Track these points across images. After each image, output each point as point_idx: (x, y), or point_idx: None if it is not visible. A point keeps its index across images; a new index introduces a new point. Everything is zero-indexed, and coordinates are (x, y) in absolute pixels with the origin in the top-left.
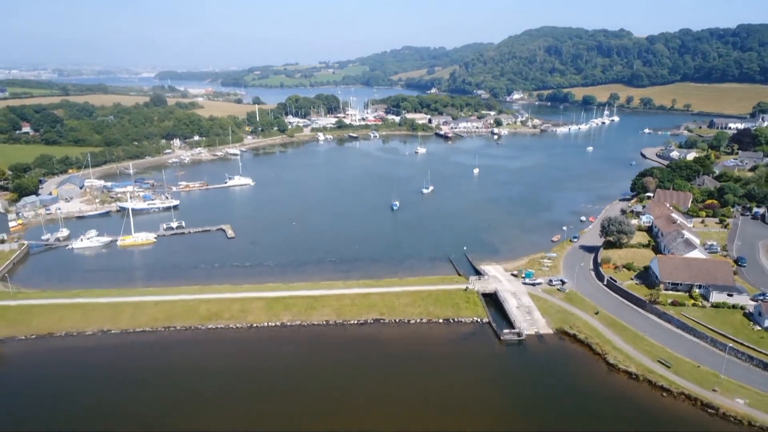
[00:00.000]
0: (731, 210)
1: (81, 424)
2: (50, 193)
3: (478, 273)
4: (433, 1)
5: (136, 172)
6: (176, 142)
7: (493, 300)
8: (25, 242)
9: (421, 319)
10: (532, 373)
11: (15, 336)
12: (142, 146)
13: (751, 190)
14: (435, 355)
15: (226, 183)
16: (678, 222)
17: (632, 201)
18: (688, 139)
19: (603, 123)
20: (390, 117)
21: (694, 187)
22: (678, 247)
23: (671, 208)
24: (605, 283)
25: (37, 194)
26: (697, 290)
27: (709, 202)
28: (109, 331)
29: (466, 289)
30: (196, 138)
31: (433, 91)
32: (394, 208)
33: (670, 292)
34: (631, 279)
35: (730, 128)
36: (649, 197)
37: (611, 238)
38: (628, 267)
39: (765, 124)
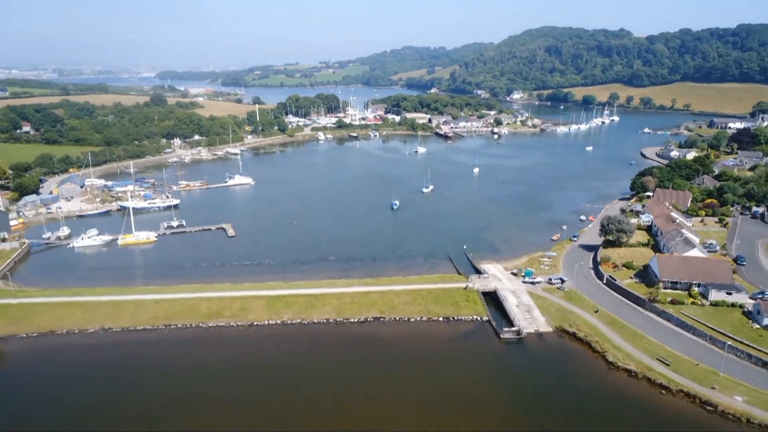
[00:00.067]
0: (730, 209)
1: (82, 422)
2: (51, 192)
3: (477, 272)
4: (433, 1)
5: (136, 171)
6: (176, 141)
7: (492, 298)
8: (26, 241)
9: (421, 318)
10: (532, 372)
11: (16, 334)
12: (143, 146)
13: (750, 190)
14: (435, 353)
15: (226, 182)
16: (677, 221)
17: (632, 200)
18: (688, 138)
19: (603, 123)
20: (390, 117)
21: (693, 186)
22: (677, 245)
23: (671, 207)
24: (605, 281)
25: (37, 193)
26: (696, 289)
27: (708, 201)
28: (110, 329)
29: (465, 288)
30: (197, 137)
31: (433, 90)
32: (394, 207)
33: (670, 290)
34: (631, 278)
35: (729, 128)
36: (648, 196)
37: (611, 237)
38: (628, 266)
39: (765, 123)
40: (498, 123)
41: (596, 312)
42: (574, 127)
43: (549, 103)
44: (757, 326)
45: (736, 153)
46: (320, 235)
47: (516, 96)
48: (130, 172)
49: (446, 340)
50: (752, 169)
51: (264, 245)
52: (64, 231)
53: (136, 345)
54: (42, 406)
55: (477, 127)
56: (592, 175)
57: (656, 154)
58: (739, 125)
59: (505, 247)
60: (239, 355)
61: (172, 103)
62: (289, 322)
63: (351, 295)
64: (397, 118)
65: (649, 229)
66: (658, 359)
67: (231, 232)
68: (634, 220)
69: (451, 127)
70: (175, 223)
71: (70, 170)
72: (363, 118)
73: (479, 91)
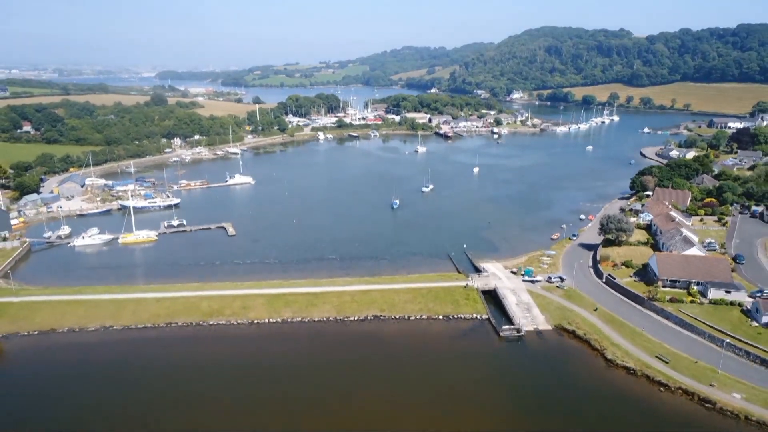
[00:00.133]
0: (730, 208)
1: (82, 419)
2: (51, 192)
3: (477, 270)
4: (433, 1)
5: (136, 170)
6: (177, 141)
7: (492, 297)
8: (27, 240)
9: (421, 316)
10: (531, 369)
11: (18, 332)
12: (143, 145)
13: (749, 189)
14: (435, 351)
15: (226, 182)
16: (677, 220)
17: (631, 199)
18: (688, 138)
19: (603, 122)
20: (390, 116)
21: (693, 185)
22: (676, 244)
23: (670, 206)
24: (604, 280)
25: (38, 192)
26: (695, 287)
27: (707, 200)
28: (111, 327)
29: (465, 286)
30: (197, 137)
31: (433, 90)
32: (394, 206)
33: (669, 289)
34: (630, 276)
35: (729, 127)
36: (648, 196)
37: (610, 236)
38: (627, 264)
39: (764, 123)
40: (498, 123)
41: (595, 310)
42: (574, 127)
43: (549, 103)
44: (756, 324)
45: (736, 152)
46: (320, 234)
47: (516, 96)
48: (130, 172)
49: (446, 338)
50: (751, 168)
51: (264, 244)
52: (65, 230)
53: (137, 343)
54: (43, 404)
55: (477, 127)
56: (592, 175)
57: (656, 153)
58: (739, 125)
59: (505, 246)
60: (240, 353)
61: (173, 102)
62: (289, 320)
63: (351, 294)
64: (397, 118)
65: (648, 228)
66: (657, 357)
67: (231, 231)
68: (633, 219)
69: (451, 127)
70: (175, 223)
71: (71, 169)
72: (363, 118)
73: (479, 91)
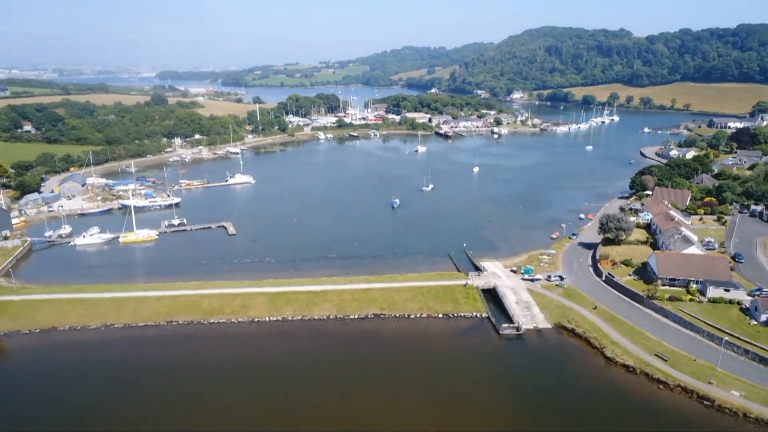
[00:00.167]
0: (729, 207)
1: (84, 417)
2: (52, 191)
3: (477, 269)
4: (433, 1)
5: (137, 170)
6: (177, 140)
7: (492, 295)
8: (28, 239)
9: (421, 314)
10: (531, 367)
11: (19, 330)
12: (144, 145)
13: (749, 188)
14: (434, 349)
15: (227, 181)
16: (676, 219)
17: (631, 199)
18: (688, 138)
19: (603, 122)
20: (390, 116)
21: (692, 185)
22: (676, 243)
23: (669, 205)
24: (603, 279)
25: (39, 192)
26: (694, 286)
27: (707, 199)
28: (112, 325)
29: (465, 285)
30: (197, 137)
31: (433, 90)
32: (395, 206)
33: (668, 287)
34: (629, 275)
35: (729, 127)
36: (647, 195)
37: (610, 235)
38: (627, 263)
39: (764, 123)
40: (498, 123)
41: (595, 309)
42: (574, 126)
43: (549, 103)
44: (755, 322)
45: (736, 152)
46: (321, 233)
47: (516, 96)
48: (131, 171)
49: (446, 336)
50: (751, 168)
51: (265, 243)
52: (66, 229)
53: (138, 341)
54: (44, 402)
55: (477, 127)
56: (592, 175)
57: (656, 153)
58: (739, 125)
59: (505, 245)
60: (240, 351)
61: (173, 102)
62: (290, 318)
63: (351, 292)
64: (397, 118)
65: (648, 227)
66: (656, 355)
67: (232, 230)
68: (633, 219)
69: (451, 127)
70: (176, 222)
71: (72, 169)
72: (363, 118)
73: (479, 91)
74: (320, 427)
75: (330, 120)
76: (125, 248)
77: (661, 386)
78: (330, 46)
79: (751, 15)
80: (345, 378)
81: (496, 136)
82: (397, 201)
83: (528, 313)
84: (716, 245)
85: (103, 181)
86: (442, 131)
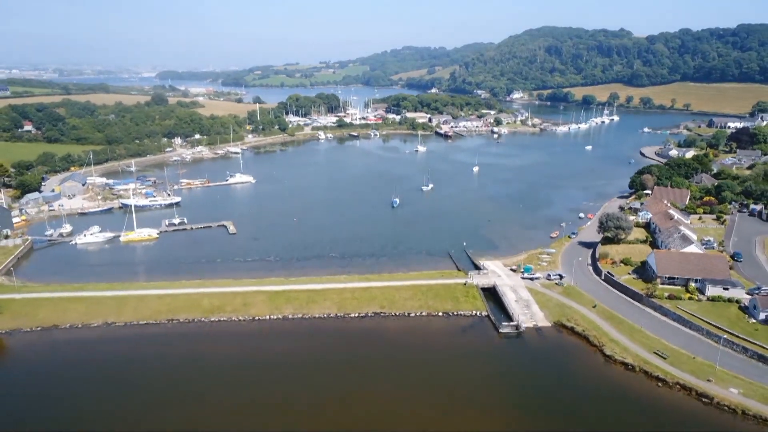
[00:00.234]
0: (728, 207)
1: (85, 415)
2: (53, 190)
3: (477, 268)
4: (433, 1)
5: (137, 169)
6: (177, 140)
7: (491, 294)
8: (29, 238)
9: (421, 313)
10: (530, 365)
11: (20, 328)
12: (144, 144)
13: (748, 188)
14: (434, 347)
15: (227, 180)
16: (675, 218)
17: (630, 198)
18: (687, 137)
19: (603, 122)
20: (390, 116)
21: (692, 184)
22: (675, 242)
23: (669, 204)
24: (603, 277)
25: (40, 191)
26: (693, 284)
27: (706, 199)
28: (113, 323)
29: (465, 284)
30: (197, 136)
31: (433, 90)
32: (395, 205)
33: (667, 286)
34: (629, 273)
35: (729, 127)
36: (647, 194)
37: (609, 234)
38: (626, 262)
39: (764, 123)
40: (498, 122)
41: (594, 307)
42: (573, 126)
43: (549, 103)
44: (753, 321)
45: (735, 152)
46: (321, 232)
47: (516, 96)
48: (131, 171)
49: (446, 334)
50: (750, 167)
51: (265, 242)
52: (67, 228)
53: (139, 339)
54: (45, 400)
55: (477, 127)
56: (592, 174)
57: (655, 153)
58: (739, 125)
59: (505, 244)
60: (240, 349)
61: (173, 102)
62: (290, 316)
63: (352, 291)
64: (398, 118)
65: (647, 226)
66: (655, 353)
67: (232, 229)
68: (632, 218)
69: (451, 127)
70: (176, 221)
71: (72, 168)
72: (363, 118)
73: (479, 91)
74: (320, 424)
75: (330, 120)
76: (126, 247)
77: (660, 384)
78: (330, 46)
79: (751, 15)
80: (345, 376)
81: (496, 135)
82: (397, 200)
83: (527, 312)
84: (715, 244)
85: (104, 180)
86: (442, 131)
